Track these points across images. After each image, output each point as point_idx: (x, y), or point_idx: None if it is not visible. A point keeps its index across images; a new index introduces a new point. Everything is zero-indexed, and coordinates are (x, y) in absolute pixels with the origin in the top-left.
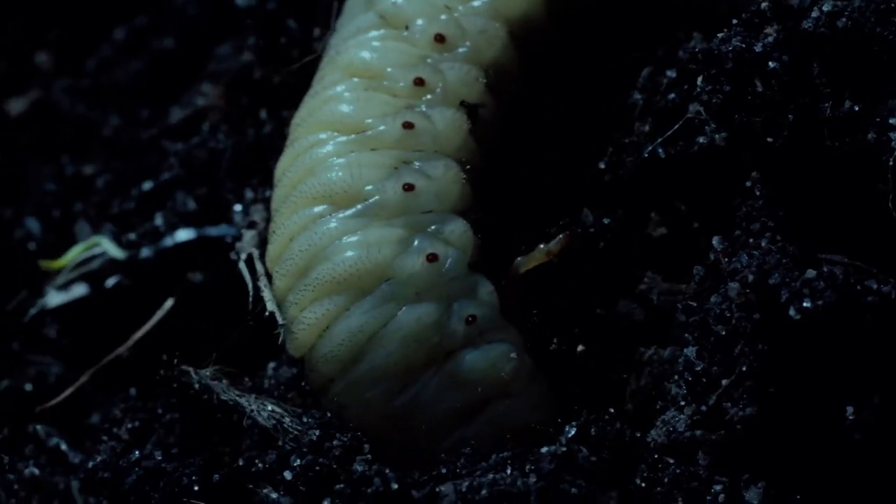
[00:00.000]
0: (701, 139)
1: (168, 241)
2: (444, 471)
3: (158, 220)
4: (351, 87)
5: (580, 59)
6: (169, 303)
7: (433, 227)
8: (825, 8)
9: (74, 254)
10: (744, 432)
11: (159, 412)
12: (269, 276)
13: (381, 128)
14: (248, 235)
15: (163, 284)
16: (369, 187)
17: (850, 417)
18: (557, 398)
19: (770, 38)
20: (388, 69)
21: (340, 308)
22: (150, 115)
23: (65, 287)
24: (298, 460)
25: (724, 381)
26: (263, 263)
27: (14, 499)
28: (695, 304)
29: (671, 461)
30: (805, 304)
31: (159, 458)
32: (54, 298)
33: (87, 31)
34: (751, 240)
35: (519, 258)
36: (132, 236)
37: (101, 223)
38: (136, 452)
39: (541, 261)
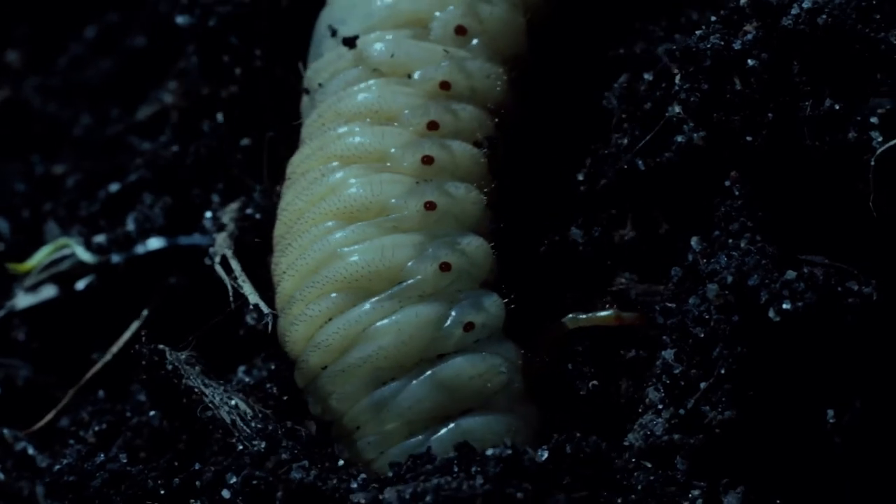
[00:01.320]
0: (679, 138)
1: (139, 248)
2: (390, 474)
3: (129, 224)
4: (364, 125)
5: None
6: (144, 312)
7: (449, 238)
8: (805, 5)
9: (42, 256)
10: (722, 436)
11: (127, 415)
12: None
13: (405, 164)
14: (220, 238)
15: (133, 286)
16: (393, 201)
17: (831, 421)
18: (543, 427)
19: (749, 36)
20: (405, 111)
21: (346, 304)
22: (120, 114)
23: (33, 289)
24: (234, 477)
25: (702, 384)
26: (238, 261)
27: None
28: (673, 306)
29: (648, 465)
30: (785, 306)
31: (124, 460)
32: (23, 300)
33: (57, 29)
34: (730, 240)
35: (571, 315)
36: (102, 238)
37: (70, 223)
38: (102, 455)
39: (606, 324)
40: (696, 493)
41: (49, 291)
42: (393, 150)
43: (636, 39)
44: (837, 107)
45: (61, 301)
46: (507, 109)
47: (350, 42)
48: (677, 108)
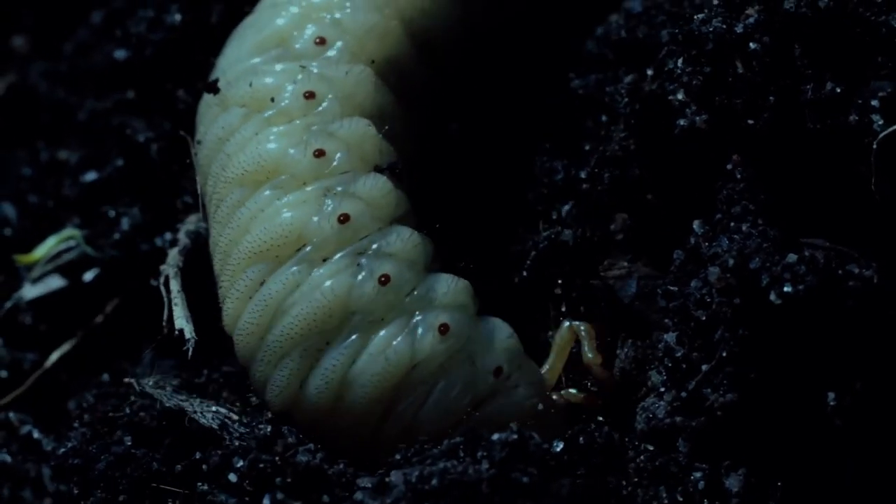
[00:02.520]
0: (681, 122)
1: (136, 237)
2: (398, 457)
3: (123, 224)
4: (263, 200)
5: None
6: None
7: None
8: None
9: (49, 247)
10: (724, 419)
11: (132, 398)
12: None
13: (326, 242)
14: (172, 254)
15: (130, 275)
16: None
17: (832, 403)
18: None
19: (751, 19)
20: (289, 152)
21: (314, 353)
22: (126, 100)
23: (40, 279)
24: (241, 461)
25: (704, 367)
26: (179, 281)
27: None
28: (675, 290)
29: (651, 448)
30: (786, 289)
31: (129, 443)
32: (30, 291)
33: (64, 15)
34: (731, 223)
35: (570, 322)
36: (104, 230)
37: (75, 211)
38: (107, 438)
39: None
40: (698, 475)
41: (56, 282)
42: (304, 222)
43: (638, 24)
44: (839, 90)
45: (68, 289)
46: (396, 117)
47: (210, 88)
48: (680, 93)
